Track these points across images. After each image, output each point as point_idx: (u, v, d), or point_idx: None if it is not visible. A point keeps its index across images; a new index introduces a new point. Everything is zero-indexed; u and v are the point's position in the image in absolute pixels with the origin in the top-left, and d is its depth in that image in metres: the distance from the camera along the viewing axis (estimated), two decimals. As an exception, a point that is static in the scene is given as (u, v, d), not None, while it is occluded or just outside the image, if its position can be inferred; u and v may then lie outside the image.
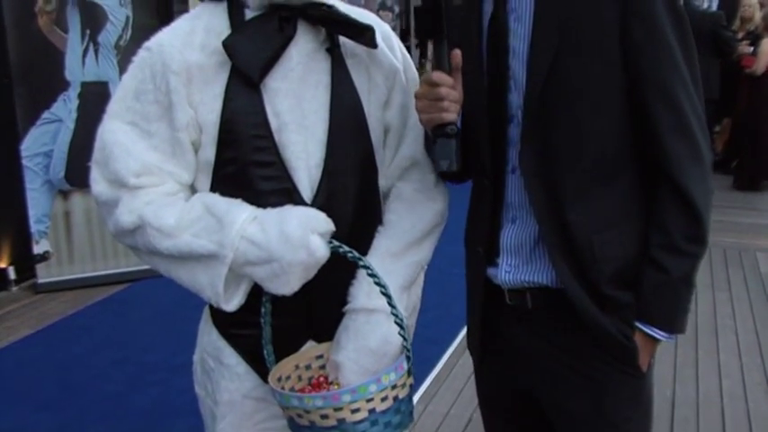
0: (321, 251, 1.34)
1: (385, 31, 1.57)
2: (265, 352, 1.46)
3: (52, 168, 4.68)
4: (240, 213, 1.36)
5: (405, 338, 1.39)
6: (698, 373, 3.58)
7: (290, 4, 1.40)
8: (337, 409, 1.29)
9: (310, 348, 1.51)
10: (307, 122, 1.44)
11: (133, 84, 1.43)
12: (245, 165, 1.42)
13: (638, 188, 1.44)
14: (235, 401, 1.54)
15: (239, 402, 1.54)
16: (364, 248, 1.49)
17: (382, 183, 1.58)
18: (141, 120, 1.42)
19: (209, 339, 1.57)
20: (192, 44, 1.41)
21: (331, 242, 1.36)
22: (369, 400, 1.30)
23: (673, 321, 1.43)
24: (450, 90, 1.41)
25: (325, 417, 1.30)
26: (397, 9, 8.65)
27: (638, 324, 1.43)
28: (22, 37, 4.50)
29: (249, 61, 1.38)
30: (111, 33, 4.72)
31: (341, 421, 1.30)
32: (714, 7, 7.75)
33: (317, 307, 1.50)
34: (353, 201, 1.48)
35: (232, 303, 1.41)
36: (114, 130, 1.42)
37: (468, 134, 1.51)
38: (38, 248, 4.70)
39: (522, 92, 1.41)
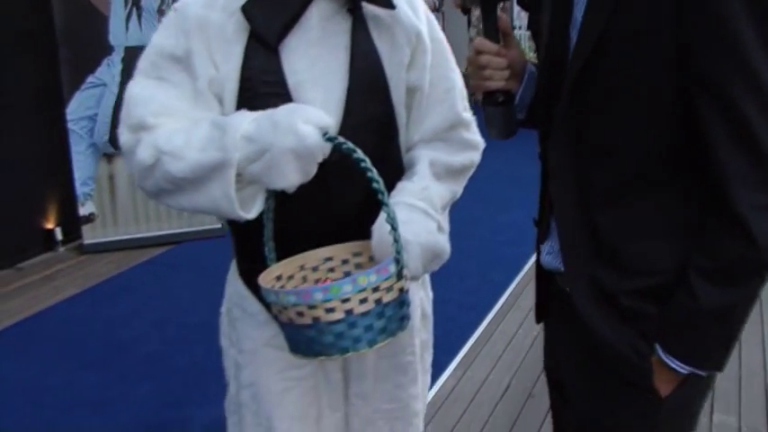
0: (311, 138, 1.29)
1: None
2: (266, 248, 1.44)
3: (96, 132, 4.73)
4: (242, 118, 1.35)
5: (396, 241, 1.30)
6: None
7: None
8: (311, 308, 1.25)
9: (320, 250, 1.47)
10: (324, 81, 1.46)
11: (159, 41, 1.48)
12: None
13: (691, 202, 1.22)
14: (257, 350, 1.59)
15: (261, 351, 1.59)
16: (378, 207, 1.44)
17: (415, 138, 1.60)
18: (167, 74, 1.46)
19: (235, 289, 1.63)
20: (215, 5, 1.45)
21: (326, 134, 1.30)
22: (344, 301, 1.24)
23: (696, 356, 1.23)
24: (493, 58, 1.36)
25: (300, 314, 1.26)
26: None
27: (657, 346, 1.25)
28: (68, 1, 4.53)
29: (267, 26, 1.42)
30: (153, -2, 4.74)
31: (316, 320, 1.25)
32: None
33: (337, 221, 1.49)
34: (371, 158, 1.42)
35: (252, 212, 1.38)
36: (140, 85, 1.47)
37: (537, 98, 1.42)
38: (83, 210, 4.78)
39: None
